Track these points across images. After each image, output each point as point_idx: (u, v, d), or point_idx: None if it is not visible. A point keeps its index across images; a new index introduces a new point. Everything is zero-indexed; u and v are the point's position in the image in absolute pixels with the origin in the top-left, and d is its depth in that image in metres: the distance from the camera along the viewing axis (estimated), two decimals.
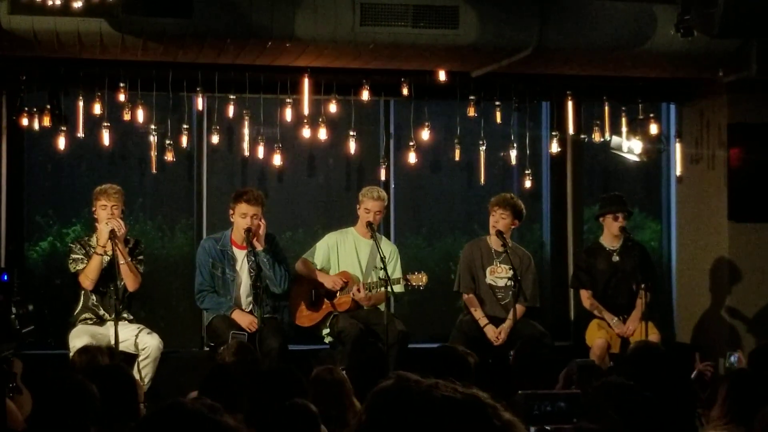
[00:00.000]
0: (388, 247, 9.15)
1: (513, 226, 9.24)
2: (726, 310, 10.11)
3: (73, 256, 8.67)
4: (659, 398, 4.93)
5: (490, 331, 9.00)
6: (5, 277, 4.98)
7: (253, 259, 8.69)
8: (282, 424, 4.67)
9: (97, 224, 8.62)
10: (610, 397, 4.59)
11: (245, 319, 8.64)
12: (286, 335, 8.88)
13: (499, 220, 9.10)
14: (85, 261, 8.60)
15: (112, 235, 8.39)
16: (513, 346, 8.33)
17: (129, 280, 8.58)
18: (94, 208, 8.67)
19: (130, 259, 8.58)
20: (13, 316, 4.77)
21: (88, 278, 8.55)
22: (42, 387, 4.98)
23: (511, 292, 9.00)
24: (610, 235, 9.46)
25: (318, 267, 9.17)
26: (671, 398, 5.05)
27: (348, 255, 9.21)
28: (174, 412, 2.62)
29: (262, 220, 8.76)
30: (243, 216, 8.72)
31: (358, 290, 8.97)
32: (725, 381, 5.37)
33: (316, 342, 9.31)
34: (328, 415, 5.25)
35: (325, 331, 9.12)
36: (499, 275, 9.21)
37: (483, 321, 9.08)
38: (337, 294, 9.09)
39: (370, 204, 9.10)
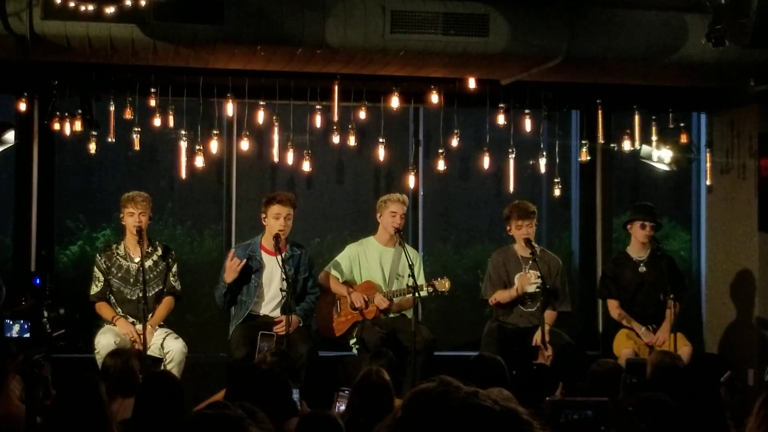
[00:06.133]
0: (411, 253, 9.09)
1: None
2: (755, 321, 10.04)
3: (94, 273, 8.78)
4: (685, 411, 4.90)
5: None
6: (37, 281, 5.00)
7: (282, 266, 8.68)
8: None
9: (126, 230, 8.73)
10: (645, 411, 4.56)
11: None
12: (316, 341, 8.89)
13: (527, 231, 9.07)
14: (101, 281, 8.69)
15: (140, 233, 8.53)
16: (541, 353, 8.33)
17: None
18: (122, 215, 8.76)
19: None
20: (45, 319, 4.81)
21: (98, 311, 8.73)
22: (57, 388, 5.01)
23: (539, 300, 8.95)
24: (637, 244, 9.41)
25: (341, 279, 9.18)
26: (696, 410, 5.02)
27: (370, 264, 9.20)
28: (200, 424, 2.63)
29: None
30: (276, 217, 8.73)
31: (382, 298, 8.99)
32: (763, 393, 5.31)
33: (343, 349, 9.32)
34: (372, 415, 5.33)
35: (352, 341, 9.13)
36: (529, 281, 9.16)
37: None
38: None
39: (395, 207, 9.08)
